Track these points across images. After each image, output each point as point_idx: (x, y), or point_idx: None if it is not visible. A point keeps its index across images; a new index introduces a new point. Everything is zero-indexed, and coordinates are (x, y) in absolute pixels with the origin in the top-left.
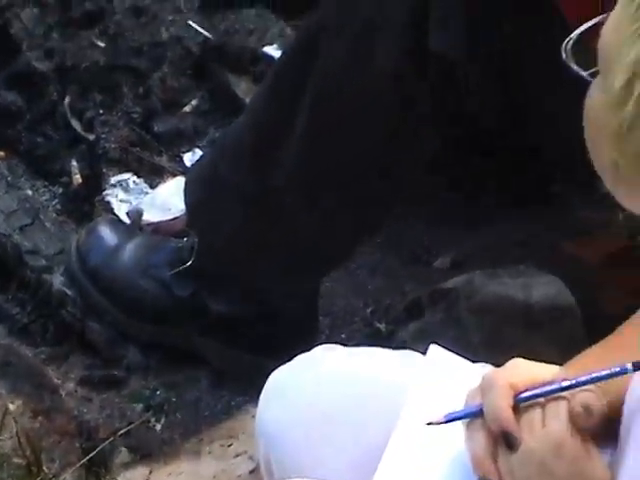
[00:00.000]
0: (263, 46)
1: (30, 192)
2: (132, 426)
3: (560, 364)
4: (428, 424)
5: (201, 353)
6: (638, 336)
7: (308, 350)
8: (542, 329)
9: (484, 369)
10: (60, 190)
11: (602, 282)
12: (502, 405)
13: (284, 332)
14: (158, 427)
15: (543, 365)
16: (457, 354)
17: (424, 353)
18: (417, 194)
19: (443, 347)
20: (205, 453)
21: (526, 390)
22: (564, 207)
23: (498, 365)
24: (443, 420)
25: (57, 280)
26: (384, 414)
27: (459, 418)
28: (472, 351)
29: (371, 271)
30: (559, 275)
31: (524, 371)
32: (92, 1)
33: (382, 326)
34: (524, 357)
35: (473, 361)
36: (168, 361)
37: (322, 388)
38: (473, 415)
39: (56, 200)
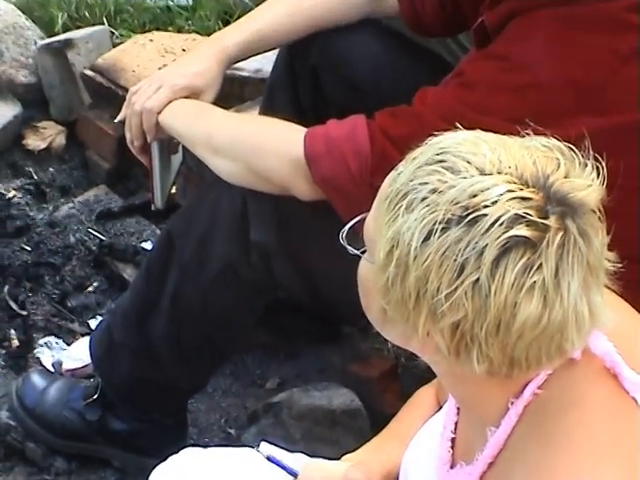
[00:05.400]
0: (141, 243)
1: None
2: None
3: (355, 450)
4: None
5: (108, 459)
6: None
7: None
8: (341, 426)
9: (300, 457)
10: (3, 351)
11: (380, 391)
12: None
13: (164, 440)
14: None
15: (336, 463)
16: (281, 447)
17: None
18: (250, 340)
19: (271, 443)
20: None
21: None
22: (351, 342)
23: (312, 455)
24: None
25: (3, 415)
26: None
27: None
28: (294, 445)
29: (223, 393)
30: (350, 388)
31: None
32: (21, 219)
33: (232, 431)
34: (329, 447)
35: (292, 452)
36: (85, 466)
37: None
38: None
39: (1, 358)
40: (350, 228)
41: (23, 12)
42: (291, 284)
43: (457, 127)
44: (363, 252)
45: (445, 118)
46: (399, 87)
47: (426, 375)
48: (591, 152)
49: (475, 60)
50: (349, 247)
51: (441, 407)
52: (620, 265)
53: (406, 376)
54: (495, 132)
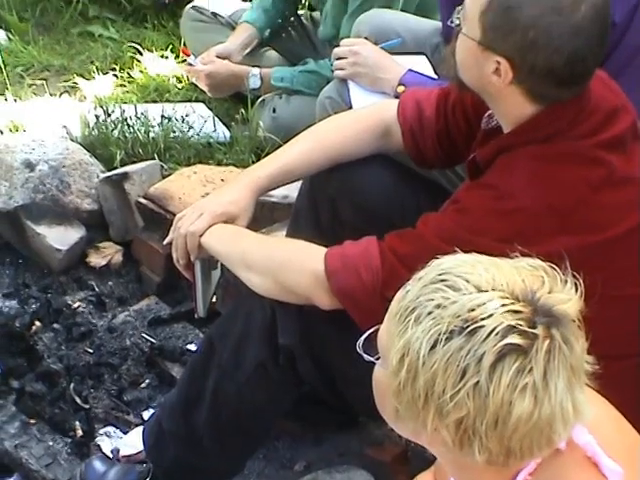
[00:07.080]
0: (187, 345)
1: (51, 443)
2: None
3: None
4: None
5: None
6: None
7: None
8: None
9: None
10: (69, 440)
11: (393, 473)
12: None
13: None
14: None
15: None
16: None
17: None
18: (280, 428)
19: None
20: None
21: None
22: (367, 429)
23: None
24: None
25: None
26: None
27: None
28: None
29: (258, 475)
30: (367, 470)
31: None
32: (84, 325)
33: None
34: None
35: None
36: None
37: None
38: None
39: (67, 446)
40: (365, 338)
41: (88, 150)
42: (314, 381)
43: (454, 246)
44: (377, 359)
45: (444, 239)
46: (405, 213)
47: (433, 458)
48: (569, 269)
49: (469, 189)
50: (365, 355)
51: None
52: (598, 366)
53: (415, 459)
54: (487, 251)
